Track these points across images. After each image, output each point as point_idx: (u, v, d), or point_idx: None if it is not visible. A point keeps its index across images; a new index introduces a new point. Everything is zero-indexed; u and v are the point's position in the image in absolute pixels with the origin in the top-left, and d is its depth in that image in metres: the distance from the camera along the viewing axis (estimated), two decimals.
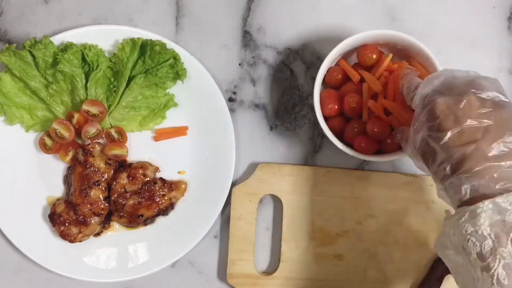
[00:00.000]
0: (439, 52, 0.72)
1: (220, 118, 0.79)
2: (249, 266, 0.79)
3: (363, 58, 0.74)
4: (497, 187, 0.53)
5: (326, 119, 0.74)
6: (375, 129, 0.71)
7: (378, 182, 0.80)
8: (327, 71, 0.76)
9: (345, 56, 0.77)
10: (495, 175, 0.53)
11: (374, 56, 0.74)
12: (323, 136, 0.81)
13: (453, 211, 0.57)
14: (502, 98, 0.56)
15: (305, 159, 0.82)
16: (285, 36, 0.82)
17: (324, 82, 0.76)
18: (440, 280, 0.77)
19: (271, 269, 0.81)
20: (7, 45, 0.77)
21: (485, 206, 0.52)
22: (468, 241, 0.52)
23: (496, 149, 0.54)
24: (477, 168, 0.53)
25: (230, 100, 0.82)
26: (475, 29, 0.82)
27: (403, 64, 0.71)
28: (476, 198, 0.53)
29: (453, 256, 0.56)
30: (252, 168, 0.81)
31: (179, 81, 0.79)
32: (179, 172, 0.81)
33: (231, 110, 0.81)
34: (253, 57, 0.82)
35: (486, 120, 0.54)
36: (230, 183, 0.79)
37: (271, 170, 0.80)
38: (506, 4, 0.83)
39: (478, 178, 0.53)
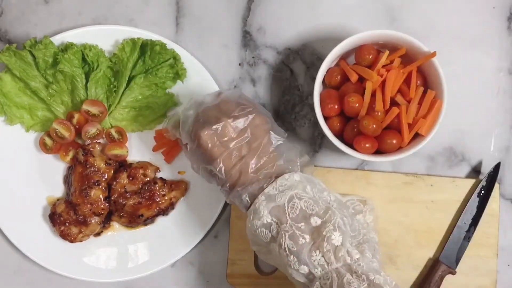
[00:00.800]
0: (439, 52, 0.72)
1: None
2: (249, 266, 0.79)
3: (360, 58, 0.74)
4: (264, 185, 0.63)
5: (326, 119, 0.74)
6: (370, 126, 0.71)
7: (378, 182, 0.80)
8: (327, 71, 0.76)
9: (345, 56, 0.77)
10: (260, 177, 0.64)
11: (371, 57, 0.74)
12: (323, 136, 0.81)
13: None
14: (248, 108, 0.66)
15: None
16: (285, 36, 0.82)
17: (324, 82, 0.76)
18: (440, 280, 0.77)
19: (271, 269, 0.81)
20: (7, 45, 0.77)
21: (260, 200, 0.62)
22: (261, 233, 0.62)
23: (255, 160, 0.64)
24: (248, 180, 0.64)
25: None
26: (475, 29, 0.82)
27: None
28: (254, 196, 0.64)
29: (264, 250, 0.64)
30: None
31: (179, 81, 0.79)
32: (179, 172, 0.81)
33: None
34: (253, 57, 0.83)
35: (245, 135, 0.65)
36: None
37: None
38: (506, 4, 0.83)
39: (250, 185, 0.63)
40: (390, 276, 0.59)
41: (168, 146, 0.80)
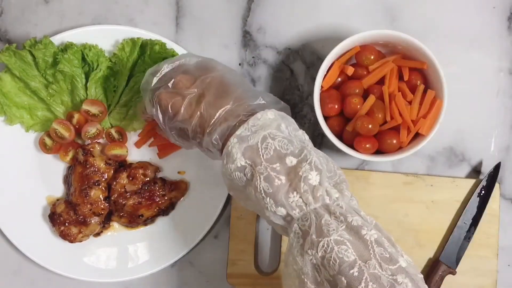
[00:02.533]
0: (439, 52, 0.72)
1: None
2: (249, 266, 0.79)
3: (361, 58, 0.74)
4: (233, 123, 0.61)
5: (326, 119, 0.74)
6: (365, 126, 0.71)
7: (378, 182, 0.80)
8: (327, 71, 0.76)
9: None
10: (226, 116, 0.61)
11: (373, 57, 0.74)
12: (323, 136, 0.81)
13: None
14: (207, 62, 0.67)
15: None
16: (285, 36, 0.82)
17: (324, 82, 0.76)
18: (440, 281, 0.77)
19: (271, 269, 0.81)
20: (7, 45, 0.77)
21: (232, 142, 0.59)
22: (236, 177, 0.59)
23: (218, 100, 0.62)
24: (213, 120, 0.62)
25: None
26: (475, 29, 0.82)
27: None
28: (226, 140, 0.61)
29: (242, 196, 0.62)
30: None
31: None
32: (179, 172, 0.81)
33: None
34: (253, 57, 0.82)
35: (198, 84, 0.64)
36: None
37: None
38: (506, 4, 0.83)
39: (218, 126, 0.61)
40: (370, 216, 0.57)
41: (155, 141, 0.80)
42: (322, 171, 0.57)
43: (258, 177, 0.57)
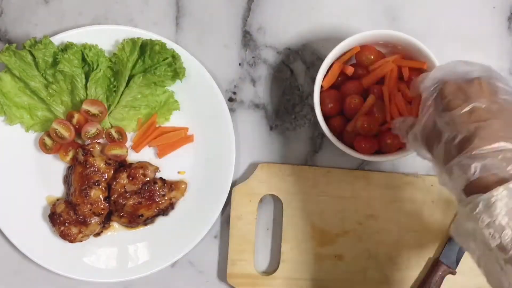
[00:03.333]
0: (439, 52, 0.72)
1: (220, 118, 0.79)
2: (249, 266, 0.79)
3: (361, 58, 0.74)
4: (509, 168, 0.49)
5: (326, 119, 0.74)
6: (365, 125, 0.71)
7: (378, 182, 0.80)
8: (327, 71, 0.76)
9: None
10: (508, 155, 0.49)
11: (373, 57, 0.74)
12: (323, 136, 0.81)
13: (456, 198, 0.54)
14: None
15: (305, 159, 0.82)
16: (285, 36, 0.82)
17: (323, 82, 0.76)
18: (440, 281, 0.77)
19: (271, 269, 0.81)
20: (7, 45, 0.77)
21: (500, 193, 0.48)
22: (486, 233, 0.49)
23: (509, 130, 0.50)
24: (488, 146, 0.50)
25: (230, 100, 0.82)
26: (475, 29, 0.82)
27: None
28: (485, 179, 0.50)
29: (472, 244, 0.52)
30: (252, 168, 0.81)
31: (179, 81, 0.79)
32: (179, 172, 0.81)
33: (231, 110, 0.81)
34: (253, 57, 0.83)
35: (497, 105, 0.52)
36: (230, 183, 0.79)
37: (271, 170, 0.80)
38: (506, 4, 0.83)
39: (490, 156, 0.50)
40: None
41: (155, 141, 0.80)
42: None
43: None
